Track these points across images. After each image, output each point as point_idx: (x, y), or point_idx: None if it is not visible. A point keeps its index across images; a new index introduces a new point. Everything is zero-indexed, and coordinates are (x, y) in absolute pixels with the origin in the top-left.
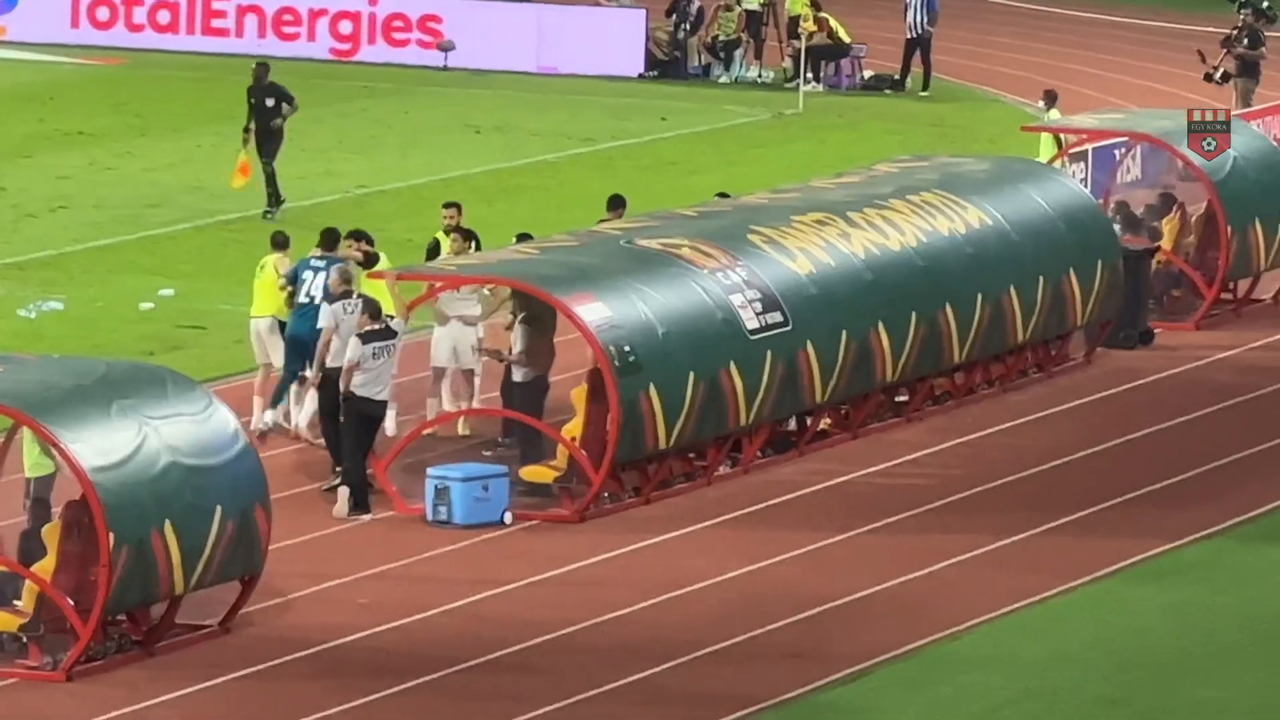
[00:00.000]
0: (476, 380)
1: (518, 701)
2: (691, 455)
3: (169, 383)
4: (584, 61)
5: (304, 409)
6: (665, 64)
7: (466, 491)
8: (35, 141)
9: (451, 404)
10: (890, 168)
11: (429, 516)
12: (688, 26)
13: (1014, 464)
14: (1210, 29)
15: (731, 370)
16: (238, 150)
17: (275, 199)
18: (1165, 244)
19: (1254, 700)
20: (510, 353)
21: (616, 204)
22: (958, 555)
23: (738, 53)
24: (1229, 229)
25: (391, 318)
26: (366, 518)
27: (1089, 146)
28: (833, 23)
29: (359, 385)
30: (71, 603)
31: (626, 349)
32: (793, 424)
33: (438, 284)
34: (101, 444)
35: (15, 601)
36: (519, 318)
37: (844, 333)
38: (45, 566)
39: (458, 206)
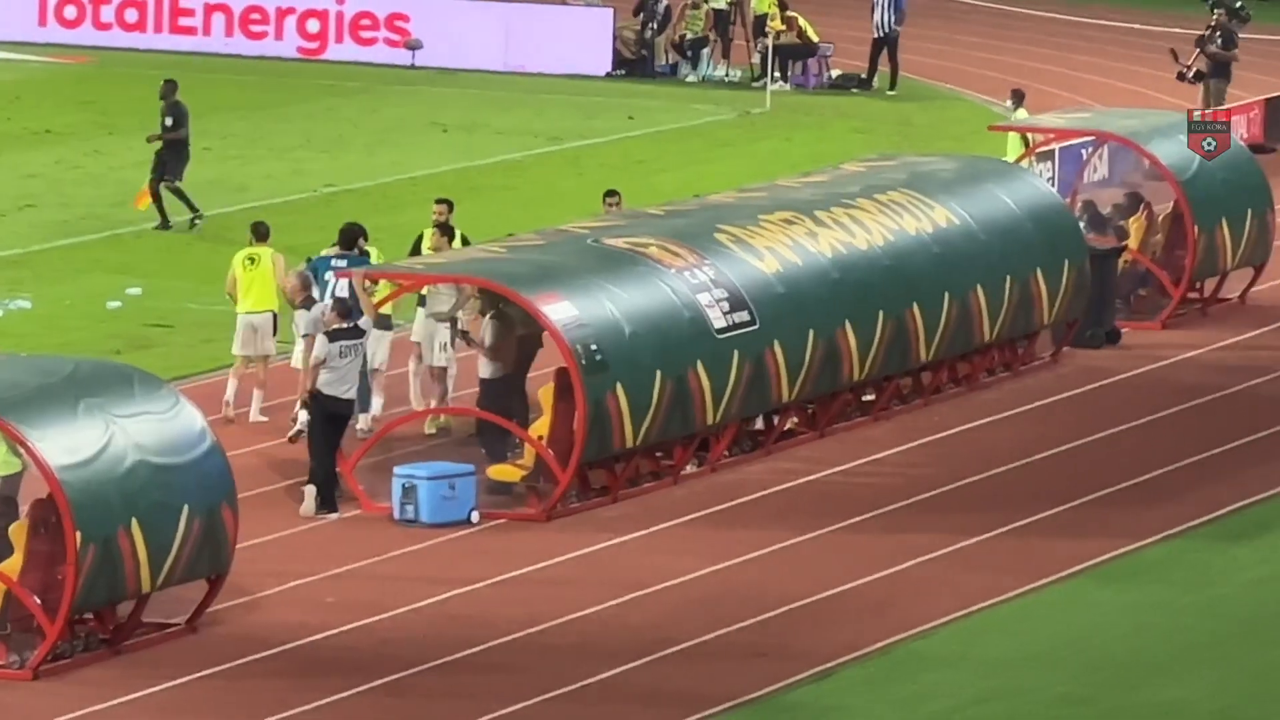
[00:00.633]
0: (450, 379)
1: (484, 700)
2: (659, 454)
3: (136, 381)
4: (551, 60)
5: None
6: (632, 63)
7: (433, 490)
8: (2, 140)
9: (419, 402)
10: (857, 167)
11: (396, 515)
12: (655, 25)
13: (980, 463)
14: (1179, 29)
15: (699, 369)
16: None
17: (174, 218)
18: (1132, 243)
19: (1218, 700)
20: (478, 341)
21: (611, 194)
22: (923, 554)
23: (705, 52)
24: (1196, 228)
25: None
26: (333, 516)
27: (1056, 146)
28: (800, 22)
29: (325, 383)
30: (38, 601)
31: (593, 348)
32: (760, 423)
33: (405, 283)
34: (68, 442)
35: None
36: (488, 315)
37: (811, 332)
38: (12, 565)
39: (449, 203)
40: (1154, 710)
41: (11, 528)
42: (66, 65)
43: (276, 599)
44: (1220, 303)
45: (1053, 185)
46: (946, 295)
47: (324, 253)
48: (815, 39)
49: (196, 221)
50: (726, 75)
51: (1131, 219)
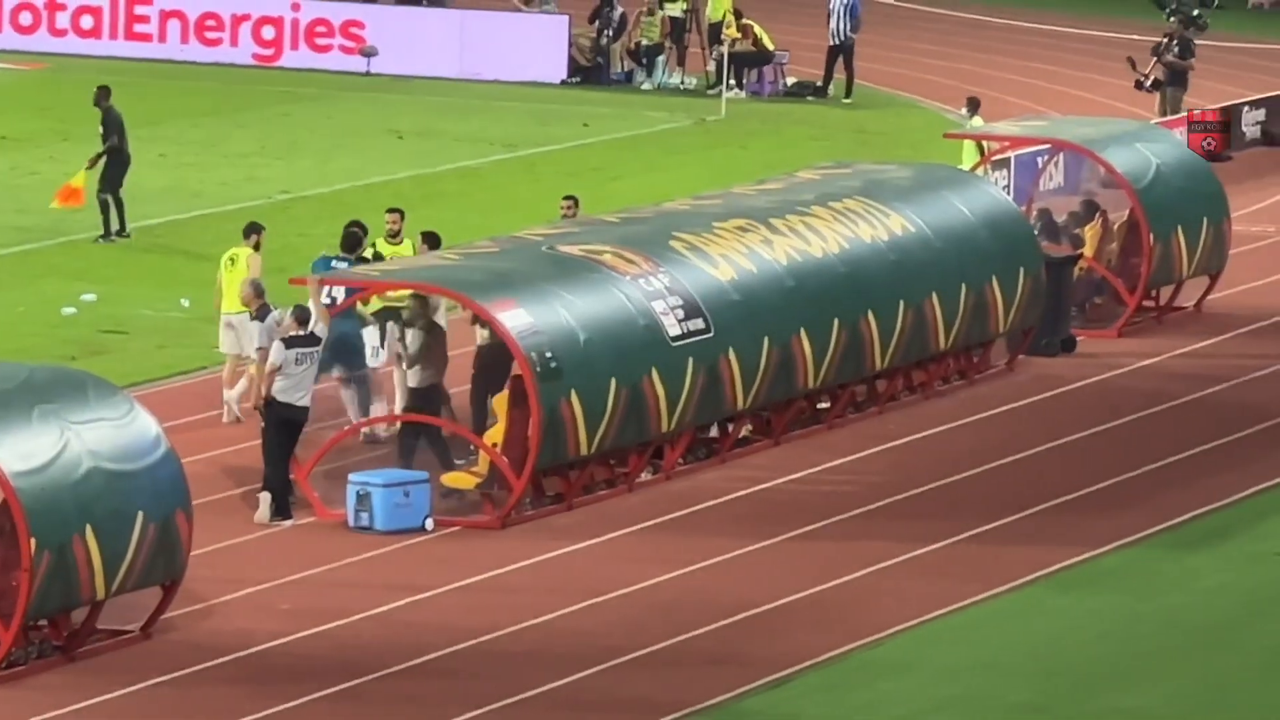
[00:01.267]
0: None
1: (439, 707)
2: (613, 461)
3: (90, 388)
4: (506, 67)
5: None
6: (588, 70)
7: (388, 497)
8: None
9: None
10: (813, 174)
11: (350, 522)
12: (610, 33)
13: (936, 471)
14: (1136, 36)
15: (653, 377)
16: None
17: (114, 227)
18: (1087, 251)
19: (1175, 708)
20: (406, 353)
21: (568, 198)
22: (879, 562)
23: (660, 59)
24: (1151, 236)
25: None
26: (288, 523)
27: (1011, 154)
28: (756, 29)
29: (280, 391)
30: None
31: (548, 355)
32: (715, 430)
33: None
34: (23, 448)
35: None
36: (417, 323)
37: (766, 339)
38: None
39: (400, 212)
40: (1111, 718)
41: None
42: (22, 71)
43: (231, 606)
44: (1176, 311)
45: (1008, 193)
46: (902, 303)
47: (325, 254)
48: (771, 46)
49: (109, 239)
50: (682, 83)
51: (1087, 227)
